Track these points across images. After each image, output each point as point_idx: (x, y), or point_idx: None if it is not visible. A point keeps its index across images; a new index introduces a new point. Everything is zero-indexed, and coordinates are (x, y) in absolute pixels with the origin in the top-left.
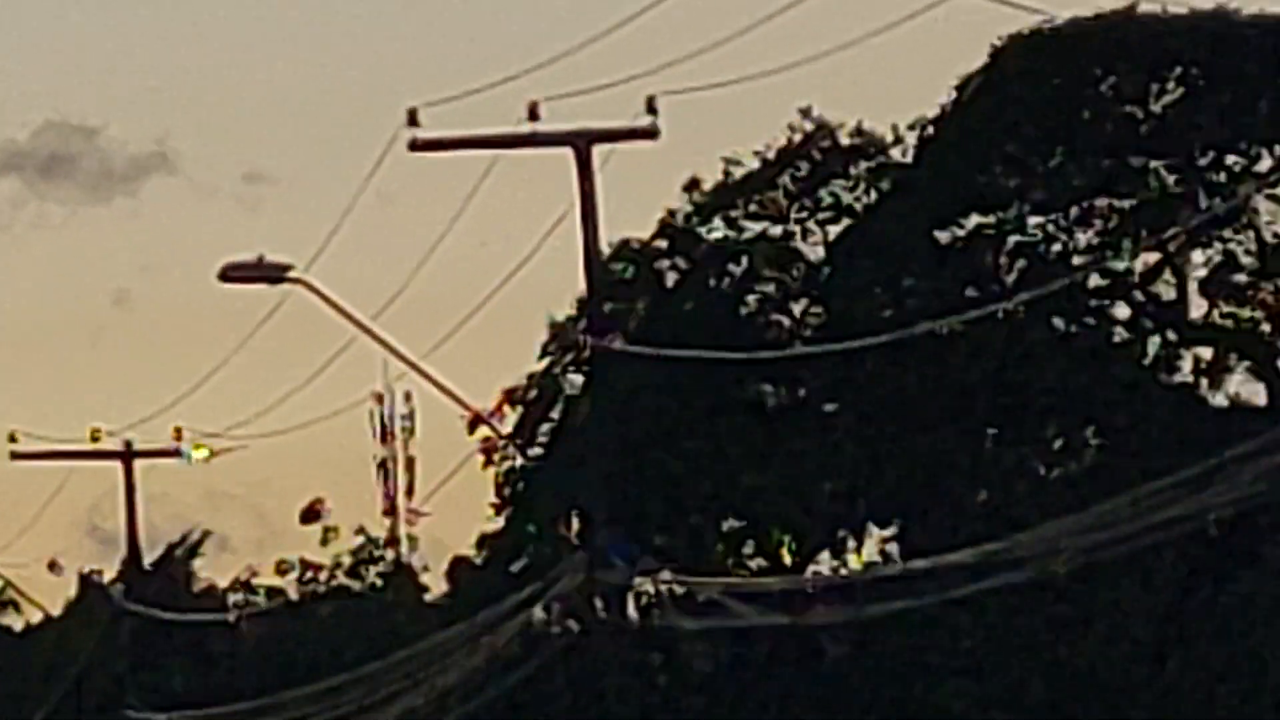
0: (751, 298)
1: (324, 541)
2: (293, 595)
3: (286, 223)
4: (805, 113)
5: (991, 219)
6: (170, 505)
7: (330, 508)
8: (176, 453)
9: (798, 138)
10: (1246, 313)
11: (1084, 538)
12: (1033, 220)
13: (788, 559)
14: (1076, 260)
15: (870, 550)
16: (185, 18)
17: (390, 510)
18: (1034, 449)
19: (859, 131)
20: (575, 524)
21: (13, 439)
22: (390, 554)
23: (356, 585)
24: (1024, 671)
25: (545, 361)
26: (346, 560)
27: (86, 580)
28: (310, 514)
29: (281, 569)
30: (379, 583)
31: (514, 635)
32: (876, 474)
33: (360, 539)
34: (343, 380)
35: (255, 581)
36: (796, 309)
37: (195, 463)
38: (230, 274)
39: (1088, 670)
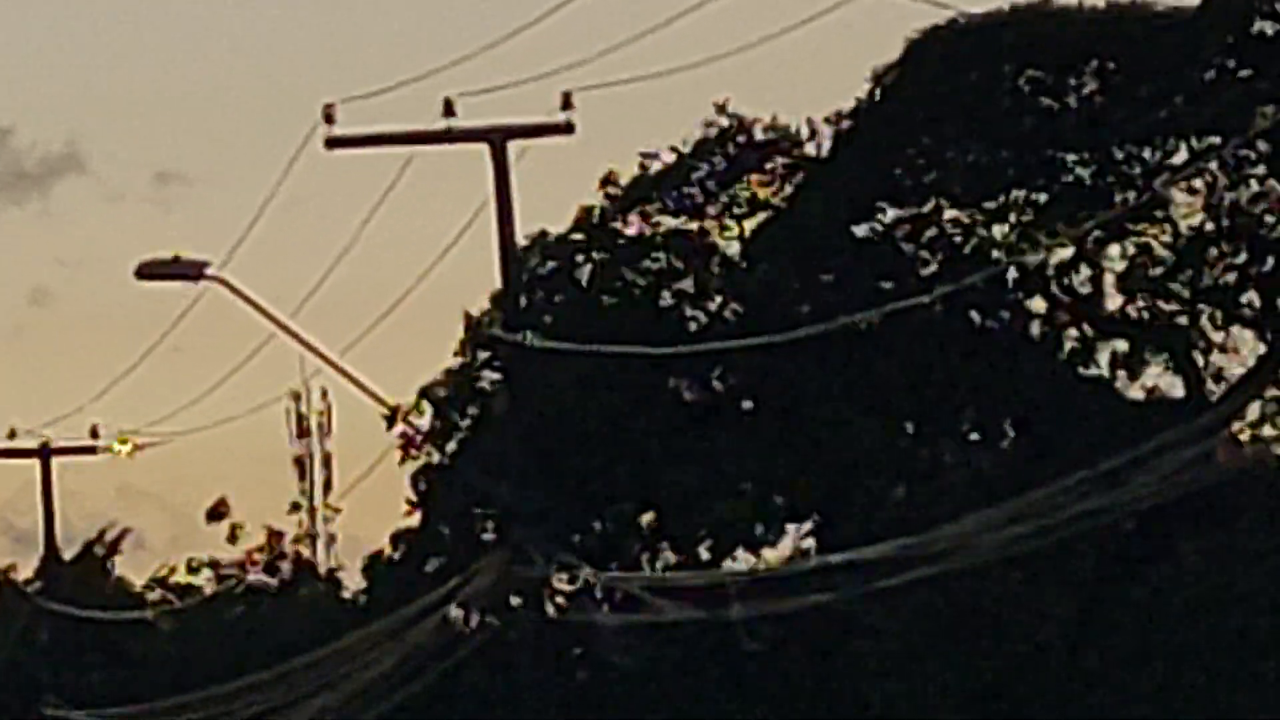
0: (668, 293)
1: (232, 539)
2: (208, 592)
3: (201, 222)
4: (721, 108)
5: (908, 213)
6: (86, 503)
7: (244, 505)
8: (93, 450)
9: (713, 133)
10: (1163, 305)
11: (1001, 531)
12: (949, 214)
13: (705, 554)
14: (993, 254)
15: (788, 545)
16: (94, 17)
17: (298, 506)
18: (951, 443)
19: (774, 126)
20: (492, 520)
21: None
22: (305, 551)
23: (272, 582)
24: (942, 664)
25: (462, 358)
26: (258, 557)
27: (2, 578)
28: (216, 513)
29: (192, 567)
30: (294, 580)
31: (431, 632)
32: (794, 469)
33: (273, 536)
34: (260, 378)
35: (172, 579)
36: (714, 304)
37: (118, 455)
38: (147, 272)
39: (1005, 662)
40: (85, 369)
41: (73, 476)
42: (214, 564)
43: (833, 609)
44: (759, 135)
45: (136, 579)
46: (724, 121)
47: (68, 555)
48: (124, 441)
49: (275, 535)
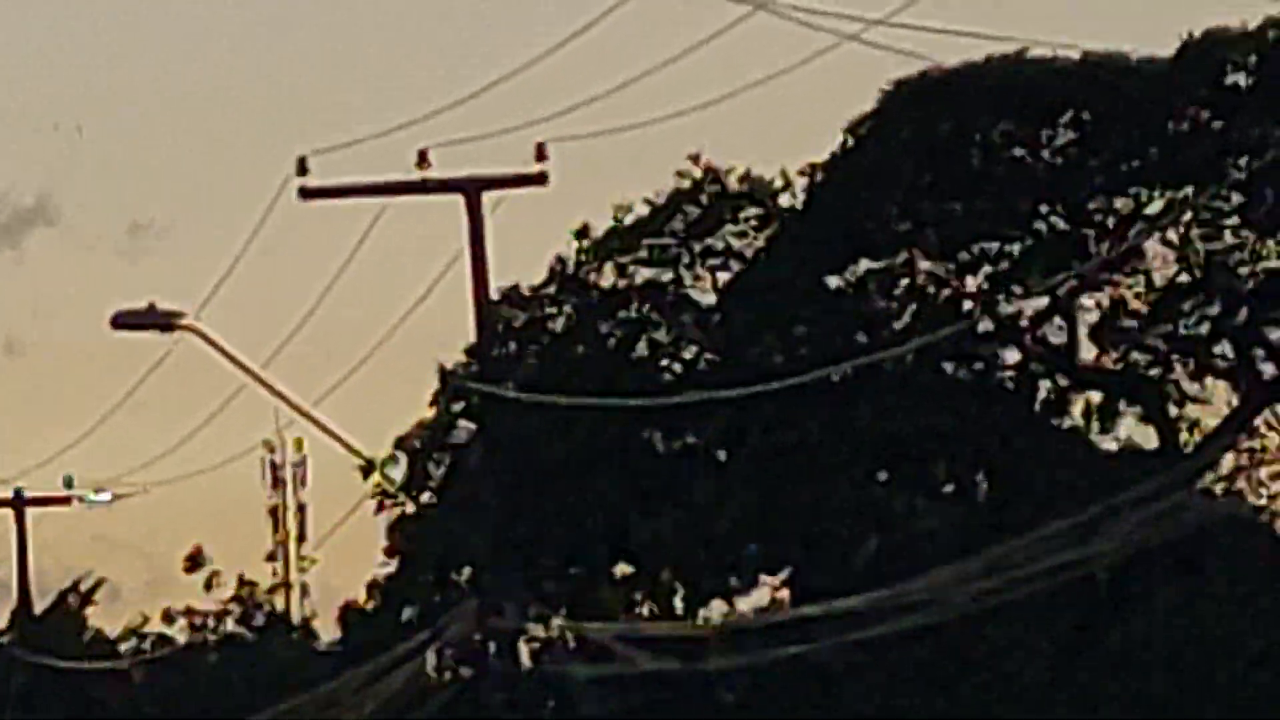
0: (642, 344)
1: (208, 587)
2: (182, 642)
3: (174, 272)
4: (694, 159)
5: (881, 264)
6: (60, 552)
7: (219, 554)
8: (68, 500)
9: (687, 184)
10: (1137, 357)
11: (976, 582)
12: (923, 265)
13: (679, 605)
14: (966, 305)
15: (762, 596)
16: (66, 68)
17: (274, 556)
18: (925, 494)
19: (747, 177)
20: (466, 570)
21: None
22: (280, 600)
23: (247, 633)
24: (918, 715)
25: (436, 409)
26: (235, 608)
27: None
28: (193, 561)
29: (168, 616)
30: (270, 630)
31: (405, 681)
32: (768, 520)
33: (244, 585)
34: (234, 428)
35: (145, 629)
36: (688, 355)
37: (94, 505)
38: (121, 321)
39: (982, 713)
40: (59, 418)
41: (47, 526)
42: (189, 612)
43: (808, 660)
44: (733, 186)
45: (111, 629)
46: (697, 173)
47: (42, 605)
48: (99, 491)
49: (250, 585)
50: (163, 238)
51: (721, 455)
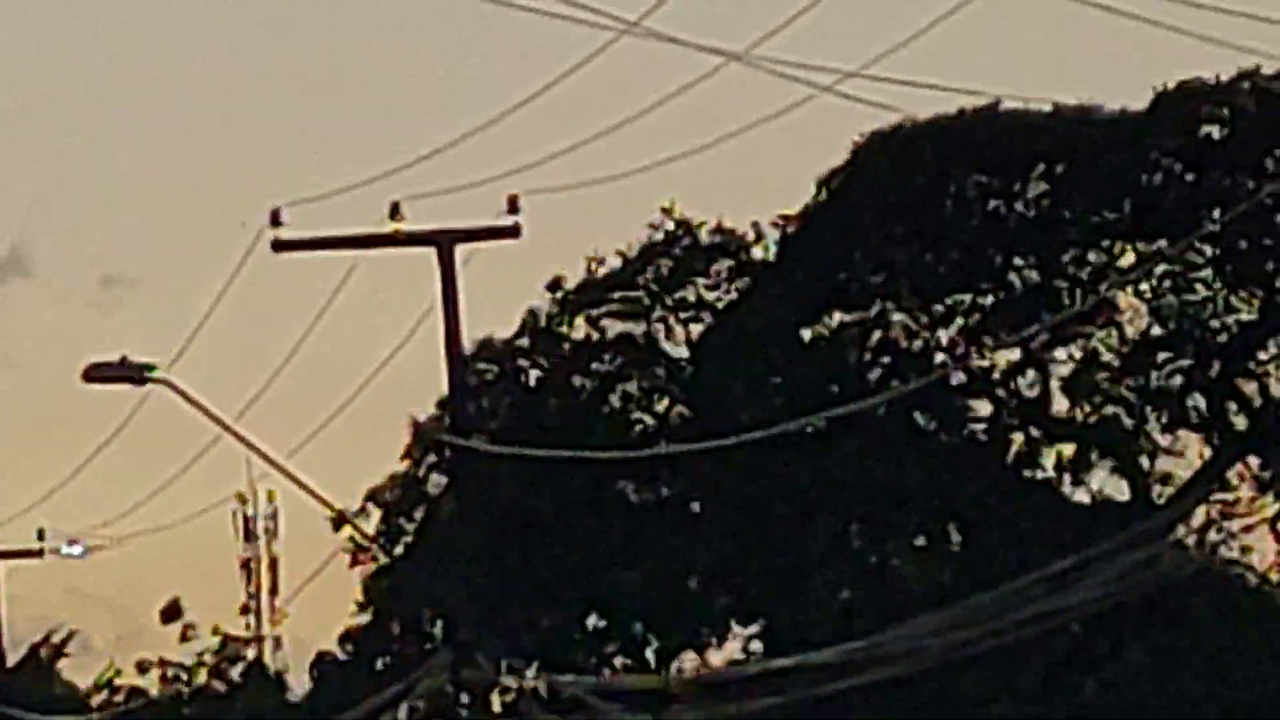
0: (615, 396)
1: (183, 639)
2: (155, 694)
3: (146, 324)
4: (666, 211)
5: (854, 316)
6: (31, 605)
7: (192, 606)
8: (40, 553)
9: (659, 236)
10: (1109, 409)
11: (949, 634)
12: (896, 317)
13: (651, 657)
14: (939, 357)
15: (734, 648)
16: (37, 120)
17: (248, 609)
18: (898, 545)
19: (719, 229)
20: (439, 621)
21: None
22: (252, 653)
23: (220, 686)
24: None
25: (409, 462)
26: (209, 660)
27: None
28: (170, 613)
29: (141, 667)
30: (243, 682)
31: None
32: (741, 571)
33: (218, 638)
34: (207, 480)
35: (118, 682)
36: (660, 407)
37: (67, 558)
38: (93, 374)
39: None
40: (31, 471)
41: (17, 579)
42: (163, 663)
43: (782, 713)
44: (705, 239)
45: (83, 682)
46: (669, 225)
47: (13, 658)
48: (73, 543)
49: (227, 638)
50: (135, 290)
51: (694, 507)
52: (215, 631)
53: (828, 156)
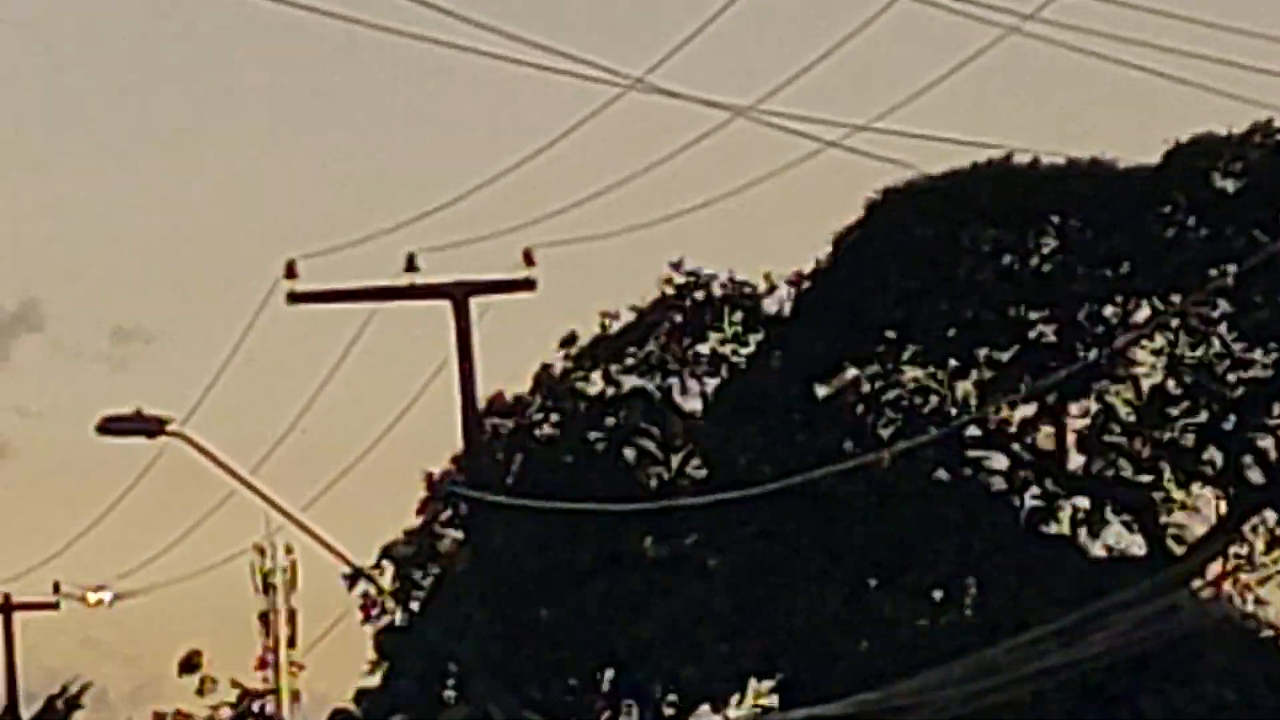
0: (629, 451)
1: (200, 691)
2: None
3: (160, 378)
4: (676, 265)
5: (869, 371)
6: (45, 658)
7: (209, 659)
8: (56, 605)
9: (671, 290)
10: (1125, 463)
11: (963, 687)
12: (909, 372)
13: (669, 711)
14: (954, 412)
15: (750, 703)
16: (50, 175)
17: (266, 663)
18: (913, 599)
19: (732, 282)
20: (454, 678)
21: None
22: (269, 707)
23: None
24: None
25: (423, 516)
26: (225, 714)
27: None
28: (188, 664)
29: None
30: None
31: None
32: (756, 626)
33: (235, 691)
34: (223, 532)
35: None
36: (674, 461)
37: (92, 606)
38: (108, 427)
39: None
40: (46, 524)
41: (32, 632)
42: (179, 715)
43: None
44: (716, 292)
45: None
46: (680, 279)
47: (28, 712)
48: (97, 590)
49: (246, 692)
50: (147, 343)
51: (709, 562)
52: (234, 685)
53: (838, 210)
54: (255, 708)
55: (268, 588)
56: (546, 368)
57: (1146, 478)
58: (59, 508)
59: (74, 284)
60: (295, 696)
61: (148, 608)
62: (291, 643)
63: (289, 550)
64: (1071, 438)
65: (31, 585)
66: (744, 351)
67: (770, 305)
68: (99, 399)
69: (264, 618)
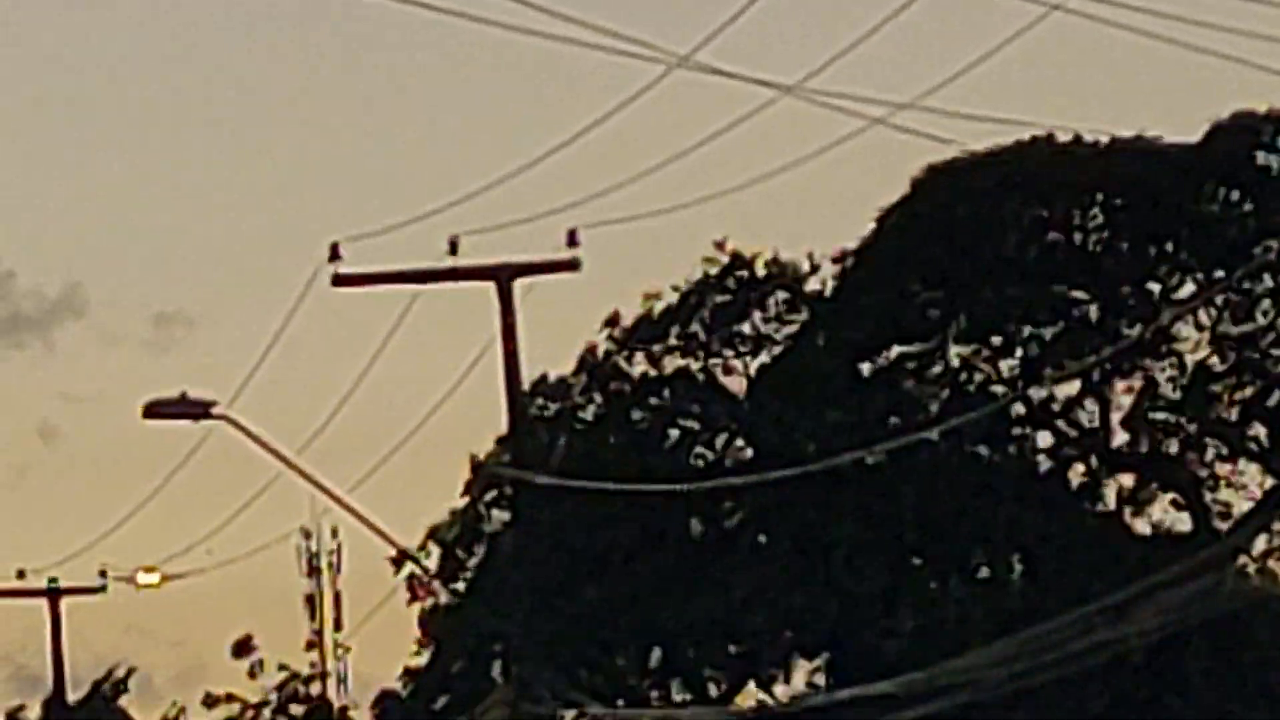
0: (674, 431)
1: (252, 674)
2: None
3: (203, 362)
4: (720, 245)
5: (913, 349)
6: (91, 642)
7: (259, 642)
8: (103, 590)
9: (714, 270)
10: (1169, 440)
11: (1010, 665)
12: (954, 350)
13: (715, 691)
14: (998, 389)
15: (798, 681)
16: (93, 159)
17: (313, 644)
18: (959, 577)
19: (775, 262)
20: (500, 658)
21: None
22: (316, 689)
23: None
24: None
25: (469, 498)
26: (274, 698)
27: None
28: (241, 647)
29: (209, 702)
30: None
31: None
32: (803, 605)
33: (284, 674)
34: (269, 516)
35: None
36: (719, 441)
37: (141, 588)
38: (154, 410)
39: None
40: (91, 508)
41: (77, 617)
42: (229, 698)
43: None
44: (760, 271)
45: (144, 719)
46: (724, 259)
47: (74, 696)
48: (150, 570)
49: (294, 675)
50: (190, 328)
51: (755, 541)
52: (282, 667)
53: (881, 187)
54: (302, 690)
55: (314, 571)
56: (590, 349)
57: (1191, 454)
58: (105, 492)
59: (116, 269)
60: (342, 679)
61: (193, 592)
62: (337, 625)
63: (335, 533)
64: (1116, 415)
65: (78, 570)
66: (788, 331)
67: (814, 284)
68: (142, 383)
69: (310, 600)
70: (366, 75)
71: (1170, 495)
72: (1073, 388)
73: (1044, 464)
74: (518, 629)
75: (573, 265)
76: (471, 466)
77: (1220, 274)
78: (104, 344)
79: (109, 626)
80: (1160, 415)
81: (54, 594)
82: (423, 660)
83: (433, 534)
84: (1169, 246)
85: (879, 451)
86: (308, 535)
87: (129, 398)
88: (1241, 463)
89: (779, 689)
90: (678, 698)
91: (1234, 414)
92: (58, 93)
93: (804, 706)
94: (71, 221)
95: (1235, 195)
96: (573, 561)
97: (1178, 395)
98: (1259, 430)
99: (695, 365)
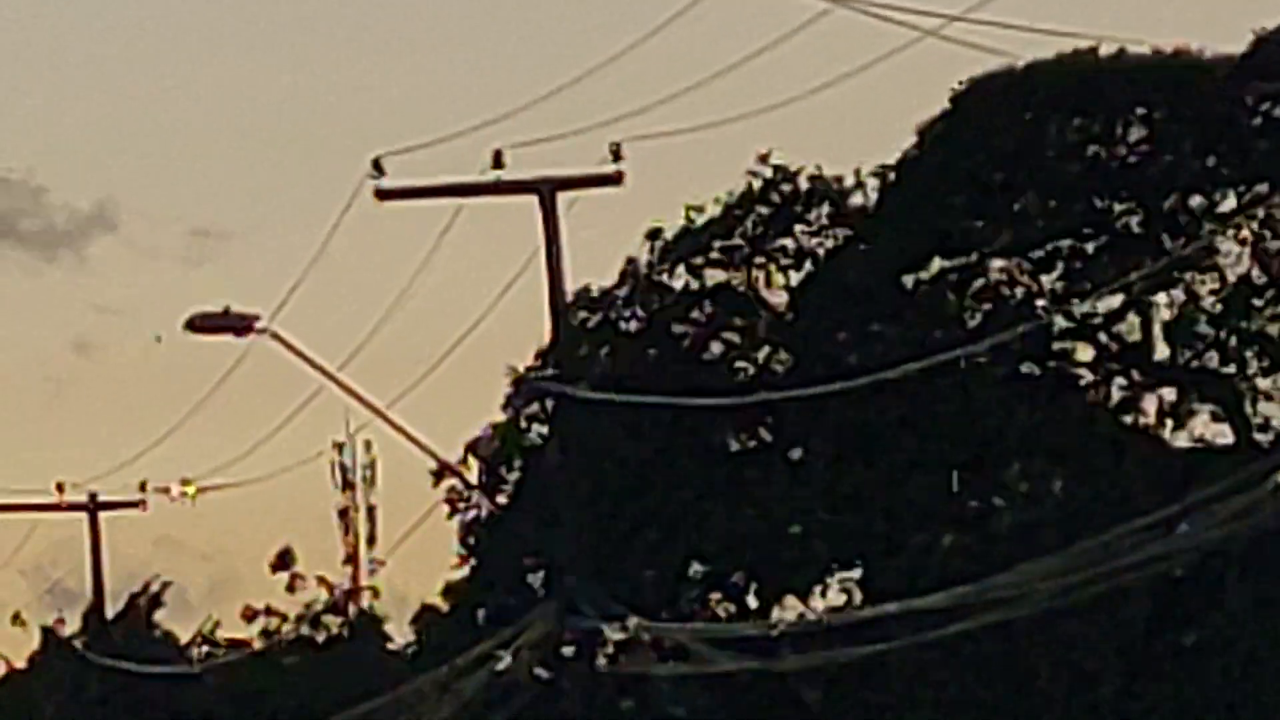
0: (715, 345)
1: (290, 589)
2: (256, 646)
3: (240, 276)
4: (764, 158)
5: (955, 263)
6: (126, 557)
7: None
8: (143, 504)
9: (758, 184)
10: (1211, 354)
11: (1055, 579)
12: (996, 263)
13: (754, 603)
14: (1040, 303)
15: (834, 593)
16: (127, 74)
17: (350, 559)
18: (999, 491)
19: (819, 176)
20: (542, 572)
21: None
22: (353, 603)
23: (320, 636)
24: (994, 713)
25: (509, 411)
26: (316, 608)
27: (49, 633)
28: (281, 562)
29: (247, 615)
30: (343, 633)
31: (482, 684)
32: (842, 518)
33: (322, 588)
34: (305, 432)
35: (219, 634)
36: (760, 355)
37: (179, 500)
38: (197, 325)
39: (1056, 712)
40: (129, 422)
41: (112, 531)
42: (269, 611)
43: (885, 658)
44: (803, 186)
45: (180, 632)
46: (768, 173)
47: (111, 610)
48: (188, 484)
49: (330, 588)
50: (226, 242)
51: (795, 454)
52: (321, 582)
53: (927, 102)
54: (338, 604)
55: (347, 485)
56: (632, 262)
57: (1232, 368)
58: (141, 406)
59: (150, 183)
60: (376, 593)
61: (227, 506)
62: (372, 538)
63: (369, 447)
64: (1157, 328)
65: (115, 483)
66: (830, 245)
67: (857, 199)
68: (177, 298)
69: (344, 514)
70: None
71: (1211, 408)
72: (1114, 301)
73: (1084, 378)
74: (559, 542)
75: (616, 179)
76: (512, 380)
77: (1263, 188)
78: (137, 257)
79: (143, 541)
80: (1202, 329)
81: (94, 508)
82: (463, 574)
83: (472, 448)
84: (1211, 160)
85: (919, 365)
86: (339, 449)
87: (164, 312)
88: None
89: (817, 602)
90: (719, 611)
91: (1275, 328)
92: (91, 3)
93: (848, 620)
94: (103, 134)
95: (1278, 109)
96: (614, 475)
97: (1219, 309)
98: None
99: (737, 279)
